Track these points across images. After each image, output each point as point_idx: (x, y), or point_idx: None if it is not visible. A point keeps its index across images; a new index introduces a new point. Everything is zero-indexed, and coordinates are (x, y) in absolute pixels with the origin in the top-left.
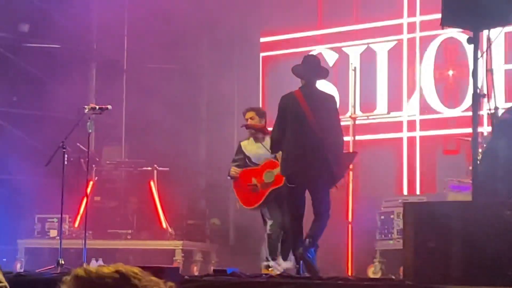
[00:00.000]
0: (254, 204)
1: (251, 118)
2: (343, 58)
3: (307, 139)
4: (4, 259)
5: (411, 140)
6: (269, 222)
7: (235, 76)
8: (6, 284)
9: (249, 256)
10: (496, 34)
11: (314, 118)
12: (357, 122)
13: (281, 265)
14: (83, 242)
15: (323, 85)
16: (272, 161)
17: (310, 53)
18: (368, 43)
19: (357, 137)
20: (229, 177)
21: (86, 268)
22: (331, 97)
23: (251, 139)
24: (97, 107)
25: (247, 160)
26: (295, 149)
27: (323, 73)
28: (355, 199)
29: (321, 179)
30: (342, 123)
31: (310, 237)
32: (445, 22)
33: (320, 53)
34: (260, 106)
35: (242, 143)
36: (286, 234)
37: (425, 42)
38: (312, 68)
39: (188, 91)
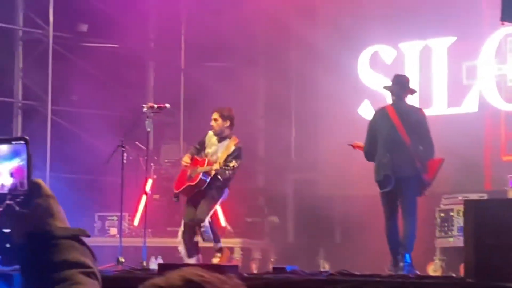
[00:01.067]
0: (176, 189)
1: (214, 120)
2: (401, 55)
3: (397, 149)
4: None
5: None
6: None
7: (292, 74)
8: (96, 270)
9: (308, 253)
10: None
11: (404, 130)
12: None
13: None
14: (143, 240)
15: (383, 82)
16: (205, 160)
17: (366, 50)
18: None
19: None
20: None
21: (154, 283)
22: (420, 110)
23: (216, 137)
24: (156, 106)
25: (202, 147)
26: (386, 157)
27: (411, 91)
28: None
29: (409, 184)
30: None
31: (403, 246)
32: (505, 17)
33: (377, 51)
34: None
35: (208, 133)
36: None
37: (484, 37)
38: (401, 86)
39: (246, 89)
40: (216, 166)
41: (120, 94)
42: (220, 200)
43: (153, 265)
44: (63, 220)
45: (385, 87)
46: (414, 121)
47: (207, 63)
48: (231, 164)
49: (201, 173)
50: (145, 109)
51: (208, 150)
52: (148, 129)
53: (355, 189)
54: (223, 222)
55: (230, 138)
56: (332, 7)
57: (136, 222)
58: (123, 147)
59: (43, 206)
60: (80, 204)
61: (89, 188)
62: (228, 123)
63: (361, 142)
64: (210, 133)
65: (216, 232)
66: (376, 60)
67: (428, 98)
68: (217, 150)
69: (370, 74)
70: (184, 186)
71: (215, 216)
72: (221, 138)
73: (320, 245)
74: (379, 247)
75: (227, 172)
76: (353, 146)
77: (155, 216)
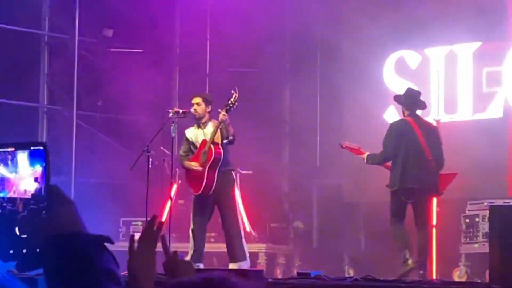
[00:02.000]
0: (199, 189)
1: (197, 104)
2: (426, 60)
3: (422, 162)
4: None
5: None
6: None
7: (318, 79)
8: (121, 278)
9: (332, 259)
10: None
11: (426, 144)
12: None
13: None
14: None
15: (407, 86)
16: (205, 140)
17: (392, 55)
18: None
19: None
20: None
21: (179, 281)
22: (437, 128)
23: (195, 125)
24: (181, 111)
25: (191, 147)
26: (414, 170)
27: (423, 105)
28: (439, 202)
29: (427, 196)
30: None
31: (425, 255)
32: None
33: (402, 56)
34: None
35: (186, 131)
36: (229, 238)
37: (509, 42)
38: (414, 100)
39: (271, 94)
40: (220, 116)
41: (145, 99)
42: (236, 192)
43: None
44: (84, 226)
45: (396, 100)
46: (436, 138)
47: (232, 68)
48: (223, 112)
49: (211, 148)
50: (170, 114)
51: (198, 141)
52: (173, 134)
53: (379, 195)
54: (248, 227)
55: (211, 122)
56: (358, 12)
57: None
58: (148, 152)
59: (65, 212)
60: (105, 209)
61: (114, 193)
62: (209, 108)
63: (354, 144)
64: (187, 130)
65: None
66: (401, 66)
67: (453, 103)
68: (206, 134)
69: (396, 79)
70: (206, 174)
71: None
72: (202, 124)
73: (345, 251)
74: None
75: (228, 121)
76: (342, 146)
77: (179, 221)
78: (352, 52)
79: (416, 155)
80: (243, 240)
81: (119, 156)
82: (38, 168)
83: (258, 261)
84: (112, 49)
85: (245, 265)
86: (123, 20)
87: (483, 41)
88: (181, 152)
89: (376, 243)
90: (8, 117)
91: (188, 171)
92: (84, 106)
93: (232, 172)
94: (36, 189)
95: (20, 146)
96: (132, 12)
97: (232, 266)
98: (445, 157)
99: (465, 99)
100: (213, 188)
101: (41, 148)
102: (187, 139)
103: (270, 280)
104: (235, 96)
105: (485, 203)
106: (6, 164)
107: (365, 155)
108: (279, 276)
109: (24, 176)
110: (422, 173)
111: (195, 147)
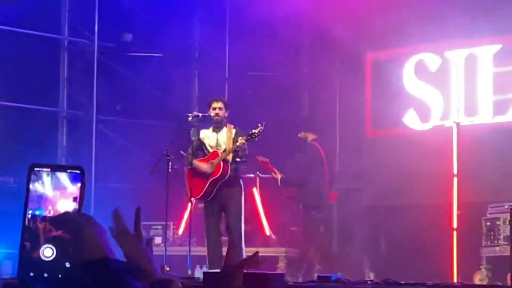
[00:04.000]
0: (196, 195)
1: (219, 108)
2: (446, 63)
3: (325, 180)
4: None
5: None
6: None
7: (336, 82)
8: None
9: (353, 262)
10: None
11: (328, 166)
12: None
13: None
14: (188, 249)
15: (427, 89)
16: (216, 152)
17: (411, 58)
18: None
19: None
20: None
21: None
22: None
23: (212, 128)
24: (200, 115)
25: (203, 147)
26: (323, 188)
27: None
28: (460, 205)
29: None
30: (446, 127)
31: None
32: None
33: (422, 59)
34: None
35: (202, 131)
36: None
37: None
38: (317, 127)
39: (289, 98)
40: (239, 142)
41: (165, 103)
42: (243, 197)
43: (198, 273)
44: (113, 253)
45: (302, 135)
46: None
47: (251, 72)
48: (243, 140)
49: (221, 162)
50: (190, 118)
51: (211, 144)
52: (193, 138)
53: (399, 198)
54: (267, 230)
55: (226, 126)
56: (377, 16)
57: (181, 231)
58: (168, 156)
59: (95, 237)
60: (125, 213)
61: (134, 197)
62: (227, 113)
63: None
64: (203, 131)
65: None
66: (421, 69)
67: (474, 106)
68: (219, 139)
69: (416, 82)
70: (207, 184)
71: (260, 224)
72: (217, 128)
73: (365, 254)
74: (425, 256)
75: (245, 146)
76: (258, 160)
77: (199, 224)
78: (371, 56)
79: (323, 175)
80: (243, 247)
81: (138, 160)
82: (77, 188)
83: (278, 265)
84: (131, 54)
85: None
86: (142, 25)
87: (503, 43)
88: (189, 150)
89: (396, 247)
90: (28, 122)
91: (193, 174)
92: (103, 111)
93: (241, 178)
94: (74, 209)
95: (56, 168)
96: (151, 17)
97: None
98: (466, 159)
99: (486, 101)
100: (210, 197)
101: (78, 172)
102: (199, 138)
103: (290, 283)
104: (260, 129)
105: (506, 206)
106: (43, 182)
107: (278, 178)
108: (299, 280)
109: (63, 195)
110: (327, 190)
111: (206, 149)
